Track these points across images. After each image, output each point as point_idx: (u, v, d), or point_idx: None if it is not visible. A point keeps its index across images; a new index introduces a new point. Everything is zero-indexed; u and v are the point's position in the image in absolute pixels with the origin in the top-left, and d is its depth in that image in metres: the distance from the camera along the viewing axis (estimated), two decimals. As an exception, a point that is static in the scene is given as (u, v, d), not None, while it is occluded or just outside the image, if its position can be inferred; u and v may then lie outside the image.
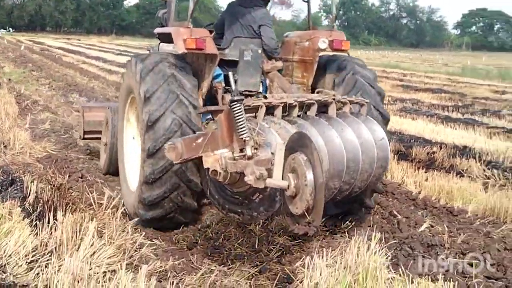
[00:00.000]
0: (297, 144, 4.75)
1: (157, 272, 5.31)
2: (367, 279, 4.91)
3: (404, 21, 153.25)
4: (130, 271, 4.89)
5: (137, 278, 4.61)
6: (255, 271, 5.53)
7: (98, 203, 6.56)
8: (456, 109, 18.35)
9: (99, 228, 5.86)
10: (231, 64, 7.26)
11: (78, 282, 4.62)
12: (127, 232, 6.00)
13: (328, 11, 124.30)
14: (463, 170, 9.77)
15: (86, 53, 40.68)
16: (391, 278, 5.13)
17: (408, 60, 58.05)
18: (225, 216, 6.14)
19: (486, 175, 9.61)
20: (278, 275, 5.41)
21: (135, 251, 5.71)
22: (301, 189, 4.63)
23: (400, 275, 5.12)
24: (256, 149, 4.94)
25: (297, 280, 5.20)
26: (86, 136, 9.59)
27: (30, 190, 6.42)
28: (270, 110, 5.57)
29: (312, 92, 6.96)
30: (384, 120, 6.84)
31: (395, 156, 10.21)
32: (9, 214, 5.74)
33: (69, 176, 8.25)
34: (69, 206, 6.22)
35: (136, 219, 6.39)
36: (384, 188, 8.18)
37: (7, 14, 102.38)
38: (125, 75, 7.00)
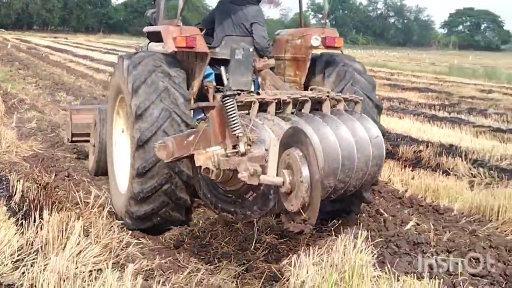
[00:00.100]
0: (292, 139, 4.60)
1: (143, 271, 5.31)
2: (353, 277, 4.92)
3: (392, 20, 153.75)
4: (116, 270, 4.89)
5: (123, 277, 4.60)
6: (242, 270, 5.53)
7: (84, 202, 6.55)
8: (442, 108, 18.43)
9: (85, 227, 5.86)
10: (222, 63, 7.17)
11: (64, 281, 4.60)
12: (114, 231, 6.00)
13: (316, 10, 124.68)
14: (449, 169, 9.82)
15: (73, 51, 40.50)
16: (377, 276, 5.15)
17: (395, 59, 58.23)
18: (218, 215, 5.94)
19: (472, 174, 9.67)
20: (265, 273, 5.42)
21: (122, 250, 5.71)
22: (297, 185, 4.46)
23: (386, 273, 5.15)
24: (250, 145, 4.85)
25: (284, 278, 5.22)
26: (74, 138, 9.46)
27: (16, 189, 6.40)
28: (263, 107, 5.46)
29: (305, 90, 6.83)
30: (377, 109, 6.79)
31: (382, 154, 10.23)
32: (-6, 213, 5.72)
33: (55, 175, 8.22)
34: (55, 205, 6.19)
35: (126, 219, 6.30)
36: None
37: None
38: (114, 74, 6.89)
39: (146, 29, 7.67)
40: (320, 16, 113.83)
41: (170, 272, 5.37)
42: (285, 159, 4.58)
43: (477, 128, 14.39)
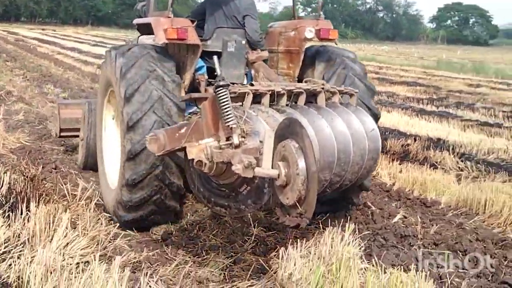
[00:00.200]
0: (288, 130, 4.44)
1: (131, 263, 5.31)
2: (341, 269, 4.94)
3: (381, 15, 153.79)
4: (103, 262, 4.88)
5: (111, 269, 4.58)
6: (230, 262, 5.53)
7: (72, 194, 6.53)
8: (430, 102, 18.50)
9: (72, 219, 5.84)
10: (213, 56, 6.95)
11: (51, 273, 4.59)
12: (101, 224, 5.99)
13: (305, 3, 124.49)
14: (436, 162, 9.87)
15: (62, 43, 40.30)
16: (364, 268, 5.18)
17: (384, 53, 58.30)
18: (211, 210, 5.78)
19: (459, 167, 9.73)
20: (253, 266, 5.42)
21: (109, 242, 5.70)
22: (293, 178, 4.31)
23: (373, 265, 5.16)
24: (244, 137, 4.70)
25: (272, 270, 5.23)
26: (62, 133, 9.33)
27: (3, 181, 6.36)
28: (256, 98, 5.34)
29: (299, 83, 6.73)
30: (370, 92, 6.71)
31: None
32: (-19, 205, 5.69)
33: (42, 167, 8.19)
34: (43, 197, 6.17)
35: (117, 213, 6.16)
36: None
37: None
38: (103, 68, 6.77)
39: (136, 21, 7.54)
40: (309, 9, 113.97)
41: (157, 265, 5.37)
42: (281, 151, 4.45)
43: (465, 122, 14.48)
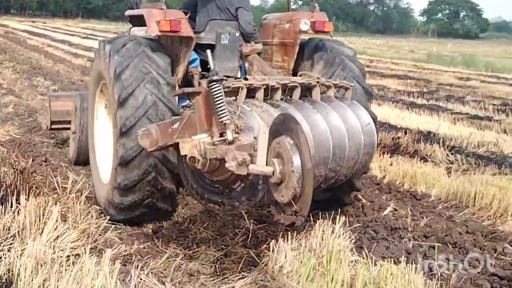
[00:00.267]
0: (282, 126, 4.34)
1: (121, 256, 5.30)
2: (331, 261, 4.95)
3: (371, 8, 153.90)
4: (94, 255, 4.85)
5: (101, 262, 4.57)
6: (221, 255, 5.53)
7: (62, 187, 6.51)
8: (421, 95, 18.55)
9: (63, 212, 5.82)
10: (206, 48, 6.86)
11: (41, 266, 4.57)
12: (92, 216, 5.99)
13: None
14: (427, 155, 9.90)
15: (52, 36, 40.12)
16: (355, 261, 5.19)
17: (374, 46, 58.37)
18: (204, 206, 5.68)
19: (449, 160, 9.77)
20: (244, 258, 5.42)
21: (100, 235, 5.69)
22: (287, 175, 4.20)
23: (363, 257, 5.19)
24: (237, 133, 4.60)
25: (262, 263, 5.23)
26: (53, 126, 9.23)
27: (-7, 174, 6.34)
28: (250, 93, 5.24)
29: (294, 76, 6.60)
30: (367, 95, 6.64)
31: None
32: (-30, 198, 5.67)
33: (32, 160, 8.16)
34: (33, 190, 6.15)
35: (110, 209, 6.08)
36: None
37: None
38: (95, 60, 6.63)
39: (128, 12, 7.38)
40: (300, 2, 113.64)
41: (148, 257, 5.37)
42: (275, 147, 4.35)
43: (455, 115, 14.53)
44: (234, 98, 5.15)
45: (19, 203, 5.58)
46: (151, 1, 6.91)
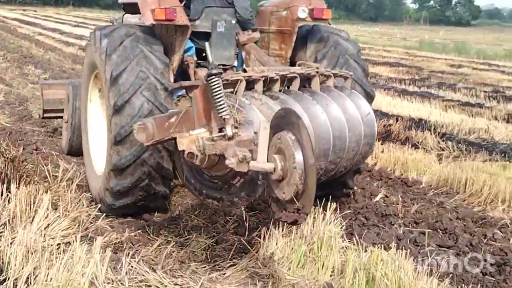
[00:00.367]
0: (283, 121, 4.19)
1: (112, 244, 5.30)
2: (322, 248, 4.99)
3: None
4: (85, 243, 4.86)
5: (92, 250, 4.59)
6: (212, 242, 5.54)
7: (53, 175, 6.49)
8: (413, 82, 18.57)
9: (53, 201, 5.81)
10: (202, 36, 6.62)
11: (32, 254, 4.58)
12: (82, 205, 5.97)
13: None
14: (418, 142, 9.93)
15: (43, 24, 39.87)
16: (345, 247, 5.22)
17: (367, 34, 58.27)
18: (202, 202, 5.47)
19: (440, 147, 9.80)
20: (235, 245, 5.43)
21: (91, 223, 5.69)
22: (289, 172, 4.04)
23: (354, 244, 5.21)
24: (237, 128, 4.43)
25: (254, 250, 5.25)
26: (45, 115, 9.10)
27: (-17, 163, 6.31)
28: (249, 84, 5.09)
29: (291, 65, 6.51)
30: (369, 98, 6.41)
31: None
32: (-40, 187, 5.65)
33: (23, 148, 8.09)
34: (23, 179, 6.13)
35: (105, 198, 5.93)
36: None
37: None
38: (88, 49, 6.48)
39: (122, 0, 7.26)
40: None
41: (139, 245, 5.37)
42: (276, 143, 4.18)
43: (446, 102, 14.56)
44: (232, 90, 5.02)
45: (9, 192, 5.58)
46: None
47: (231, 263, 5.09)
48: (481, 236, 6.04)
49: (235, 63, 6.93)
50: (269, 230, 5.24)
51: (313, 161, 3.98)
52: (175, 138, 4.62)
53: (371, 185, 7.69)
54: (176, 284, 4.66)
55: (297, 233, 5.22)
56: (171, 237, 5.63)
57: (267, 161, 4.19)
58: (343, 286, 4.57)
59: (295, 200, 4.04)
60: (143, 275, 4.67)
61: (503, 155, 9.35)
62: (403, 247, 5.32)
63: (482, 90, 17.39)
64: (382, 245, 5.37)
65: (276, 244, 5.13)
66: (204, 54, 6.58)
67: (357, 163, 5.78)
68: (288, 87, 5.45)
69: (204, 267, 5.05)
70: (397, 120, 11.33)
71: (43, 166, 6.78)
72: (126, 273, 4.62)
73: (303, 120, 4.22)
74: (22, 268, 4.40)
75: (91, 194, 6.34)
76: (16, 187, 5.59)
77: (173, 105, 5.83)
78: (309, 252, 5.02)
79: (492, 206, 7.06)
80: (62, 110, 8.54)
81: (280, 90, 5.33)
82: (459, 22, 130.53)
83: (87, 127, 6.77)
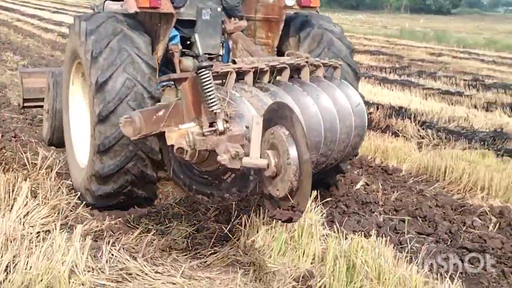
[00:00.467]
0: (276, 115, 4.05)
1: (93, 232, 5.28)
2: (303, 236, 5.01)
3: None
4: (65, 231, 4.84)
5: (72, 238, 4.57)
6: (193, 230, 5.53)
7: (32, 163, 6.45)
8: (393, 70, 18.64)
9: (33, 188, 5.78)
10: (187, 25, 6.46)
11: (11, 242, 4.56)
12: (62, 192, 5.94)
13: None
14: (398, 130, 9.99)
15: (21, 10, 39.36)
16: (326, 235, 5.25)
17: (348, 22, 58.24)
18: (192, 197, 5.35)
19: (420, 135, 9.87)
20: (216, 233, 5.43)
21: (71, 211, 5.67)
22: (283, 168, 3.91)
23: (334, 231, 5.23)
24: (227, 121, 4.29)
25: (235, 238, 5.25)
26: (25, 104, 8.84)
27: (-39, 150, 6.25)
28: (239, 76, 4.92)
29: (278, 54, 6.42)
30: (355, 75, 6.43)
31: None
32: None
33: (2, 136, 8.05)
34: (2, 166, 6.12)
35: (87, 196, 5.82)
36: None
37: None
38: (69, 37, 6.28)
39: None
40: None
41: (120, 233, 5.35)
42: (269, 138, 4.04)
43: (427, 91, 14.63)
44: (221, 81, 4.85)
45: (-13, 179, 5.53)
46: None
47: (212, 251, 5.09)
48: (460, 224, 6.10)
49: (221, 52, 6.77)
50: (250, 218, 5.25)
51: (308, 157, 3.86)
52: (163, 133, 4.47)
53: (352, 173, 7.71)
54: (157, 272, 4.65)
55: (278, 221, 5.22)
56: (152, 225, 5.61)
57: (260, 157, 4.05)
58: (324, 273, 4.59)
59: (290, 197, 3.92)
60: (124, 263, 4.66)
61: (482, 143, 9.43)
62: (383, 235, 5.35)
63: (462, 78, 17.49)
64: (363, 233, 5.40)
65: (257, 232, 5.14)
66: (188, 43, 6.50)
67: (348, 155, 5.69)
68: (275, 77, 5.32)
69: (185, 255, 5.05)
70: (377, 108, 11.38)
71: (22, 154, 6.73)
72: (106, 261, 4.61)
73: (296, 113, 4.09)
74: (1, 257, 4.36)
75: (72, 185, 6.23)
76: (-6, 175, 5.54)
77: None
78: (290, 240, 5.03)
79: (471, 194, 7.13)
80: (42, 99, 8.29)
81: (269, 81, 5.17)
82: (440, 11, 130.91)
83: (69, 117, 6.60)
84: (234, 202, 6.01)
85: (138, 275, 4.57)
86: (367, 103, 12.01)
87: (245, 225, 5.19)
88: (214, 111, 4.25)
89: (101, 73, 5.43)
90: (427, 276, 4.63)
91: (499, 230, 6.05)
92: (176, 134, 4.40)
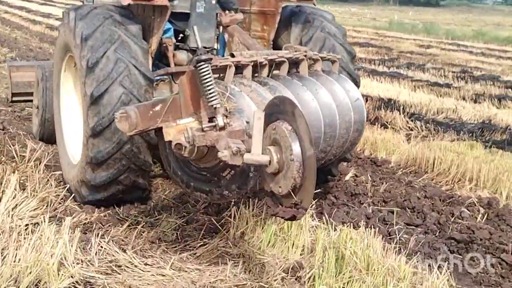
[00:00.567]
0: (278, 110, 3.93)
1: (82, 224, 5.27)
2: (292, 227, 5.01)
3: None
4: (53, 223, 4.81)
5: (61, 230, 4.54)
6: (182, 222, 5.53)
7: (20, 155, 6.42)
8: (382, 62, 18.68)
9: (21, 181, 5.76)
10: (180, 17, 6.35)
11: (0, 235, 4.53)
12: (51, 185, 5.92)
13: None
14: (387, 122, 10.02)
15: (9, 2, 39.04)
16: (315, 226, 5.26)
17: (337, 14, 58.25)
18: (190, 195, 5.35)
19: (409, 127, 9.91)
20: (205, 225, 5.42)
21: (59, 203, 5.65)
22: (286, 164, 3.79)
23: (323, 223, 5.24)
24: (227, 116, 4.16)
25: (224, 230, 5.25)
26: (14, 98, 8.76)
27: None
28: (237, 70, 4.80)
29: (274, 48, 6.34)
30: (350, 56, 6.37)
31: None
32: None
33: (-11, 128, 8.01)
34: (-10, 159, 6.06)
35: (81, 189, 5.68)
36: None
37: None
38: (60, 31, 6.11)
39: None
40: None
41: (109, 225, 5.34)
42: (270, 134, 3.92)
43: (415, 83, 14.68)
44: (218, 75, 4.70)
45: (-25, 172, 5.50)
46: None
47: (202, 243, 5.09)
48: (449, 215, 6.14)
49: (215, 45, 6.70)
50: (240, 209, 5.25)
51: (312, 152, 3.73)
52: (160, 128, 4.35)
53: (341, 165, 7.71)
54: (146, 264, 4.65)
55: (267, 213, 5.23)
56: (141, 217, 5.61)
57: (262, 153, 3.91)
58: (313, 264, 4.60)
59: (293, 194, 3.81)
60: (113, 256, 4.65)
61: (470, 134, 9.49)
62: (372, 226, 5.38)
63: (451, 70, 17.56)
64: (352, 224, 5.41)
65: (247, 223, 5.15)
66: (182, 36, 6.42)
67: (346, 151, 5.61)
68: (272, 72, 5.20)
69: (175, 247, 5.05)
70: (366, 100, 11.38)
71: (10, 146, 6.69)
72: (95, 254, 4.60)
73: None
74: (-10, 249, 4.36)
75: (63, 179, 6.13)
76: (-18, 168, 5.52)
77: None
78: (279, 232, 5.04)
79: (460, 185, 7.17)
80: (31, 93, 8.20)
81: (268, 75, 5.07)
82: (428, 3, 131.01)
83: (60, 112, 6.48)
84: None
85: (127, 267, 4.56)
86: (356, 95, 12.08)
87: (235, 217, 5.20)
88: (214, 106, 4.11)
89: (97, 85, 5.30)
90: (416, 266, 4.65)
91: (487, 221, 6.09)
92: (174, 129, 4.24)
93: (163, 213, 5.68)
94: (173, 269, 4.60)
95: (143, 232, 5.24)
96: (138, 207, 5.86)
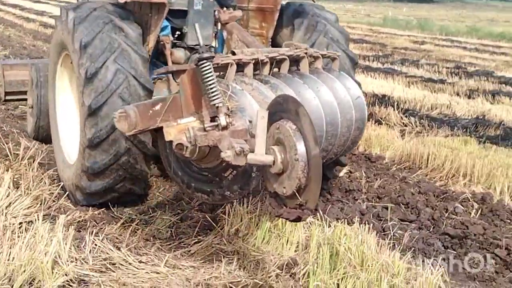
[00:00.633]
0: (281, 109, 3.87)
1: (76, 222, 5.26)
2: (286, 224, 5.01)
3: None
4: (47, 221, 4.79)
5: (55, 229, 4.54)
6: (176, 219, 5.53)
7: (14, 153, 6.41)
8: (376, 58, 18.69)
9: (15, 179, 5.76)
10: (178, 15, 6.24)
11: (-7, 233, 4.52)
12: (45, 183, 5.90)
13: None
14: (381, 118, 10.02)
15: (2, 0, 39.01)
16: (309, 222, 5.25)
17: (331, 10, 58.35)
18: (191, 196, 5.28)
19: (403, 123, 9.92)
20: (200, 222, 5.42)
21: (53, 201, 5.64)
22: (290, 164, 3.74)
23: (318, 219, 5.25)
24: (229, 116, 4.06)
25: (219, 227, 5.25)
26: (7, 97, 8.64)
27: None
28: (239, 68, 4.69)
29: (272, 46, 6.28)
30: (352, 63, 6.27)
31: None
32: None
33: (-17, 126, 7.99)
34: (-17, 157, 6.05)
35: (77, 194, 5.63)
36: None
37: None
38: (56, 28, 6.03)
39: None
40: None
41: (103, 223, 5.33)
42: (274, 133, 3.87)
43: (409, 79, 14.69)
44: (219, 73, 4.55)
45: (-31, 171, 5.49)
46: None
47: (196, 240, 5.09)
48: (443, 210, 6.15)
49: (213, 43, 6.60)
50: (234, 206, 5.25)
51: (317, 152, 3.67)
52: (160, 128, 4.26)
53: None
54: (140, 261, 4.65)
55: (261, 209, 5.24)
56: (135, 215, 5.61)
57: (265, 153, 3.86)
58: (307, 261, 4.60)
59: (297, 195, 3.76)
60: (107, 253, 4.66)
61: (464, 130, 9.51)
62: (366, 222, 5.39)
63: (444, 66, 17.58)
64: (346, 220, 5.43)
65: (241, 220, 5.15)
66: (179, 34, 6.36)
67: (347, 150, 5.55)
68: (278, 70, 5.14)
69: (169, 244, 5.05)
70: (360, 96, 11.39)
71: (3, 144, 6.69)
72: (90, 252, 4.60)
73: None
74: (-17, 248, 4.35)
75: (63, 188, 5.92)
76: (-24, 166, 5.50)
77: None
78: (274, 228, 5.05)
79: (454, 181, 7.18)
80: (25, 92, 8.11)
81: (268, 73, 4.95)
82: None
83: (56, 108, 6.39)
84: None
85: (121, 264, 4.56)
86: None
87: (229, 214, 5.20)
88: (216, 105, 4.02)
89: (95, 97, 5.20)
90: (410, 262, 4.66)
91: (481, 216, 6.11)
92: (175, 129, 4.15)
93: (157, 211, 5.68)
94: (168, 267, 4.60)
95: (137, 230, 5.24)
96: (132, 205, 5.85)
